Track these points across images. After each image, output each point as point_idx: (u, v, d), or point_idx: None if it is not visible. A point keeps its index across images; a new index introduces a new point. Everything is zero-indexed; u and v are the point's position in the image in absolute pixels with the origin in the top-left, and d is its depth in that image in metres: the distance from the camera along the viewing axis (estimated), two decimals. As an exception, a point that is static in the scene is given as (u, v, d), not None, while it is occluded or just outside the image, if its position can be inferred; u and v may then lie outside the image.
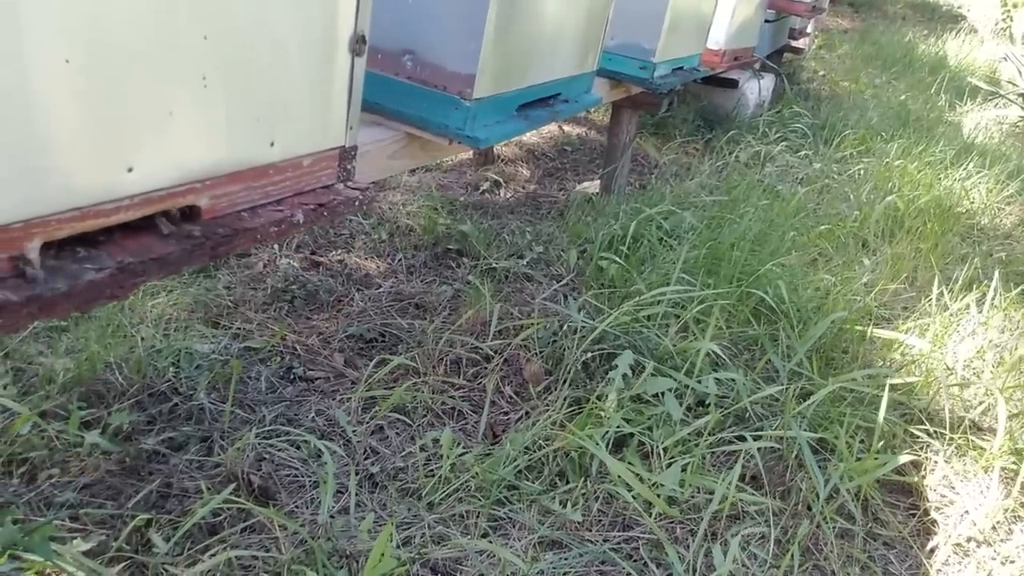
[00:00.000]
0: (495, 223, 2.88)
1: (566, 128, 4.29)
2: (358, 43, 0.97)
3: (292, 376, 1.84)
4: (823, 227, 2.71)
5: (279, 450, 1.56)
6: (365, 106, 1.50)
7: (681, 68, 3.01)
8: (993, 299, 2.15)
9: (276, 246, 2.47)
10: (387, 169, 1.47)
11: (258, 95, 0.86)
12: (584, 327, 1.83)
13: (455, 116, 1.42)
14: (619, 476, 1.38)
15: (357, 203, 1.02)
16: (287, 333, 1.98)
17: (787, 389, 1.64)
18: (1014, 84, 5.41)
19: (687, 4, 2.74)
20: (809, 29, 7.36)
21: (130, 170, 0.73)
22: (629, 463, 1.46)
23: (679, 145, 4.19)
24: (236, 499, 1.35)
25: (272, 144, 0.89)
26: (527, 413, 1.73)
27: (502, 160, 3.64)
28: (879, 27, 9.97)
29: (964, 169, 3.45)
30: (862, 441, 1.64)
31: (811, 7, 4.97)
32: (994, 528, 1.47)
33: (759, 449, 1.50)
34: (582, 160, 3.85)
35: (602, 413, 1.52)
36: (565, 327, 1.90)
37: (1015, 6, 9.01)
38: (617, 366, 1.62)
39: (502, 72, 1.52)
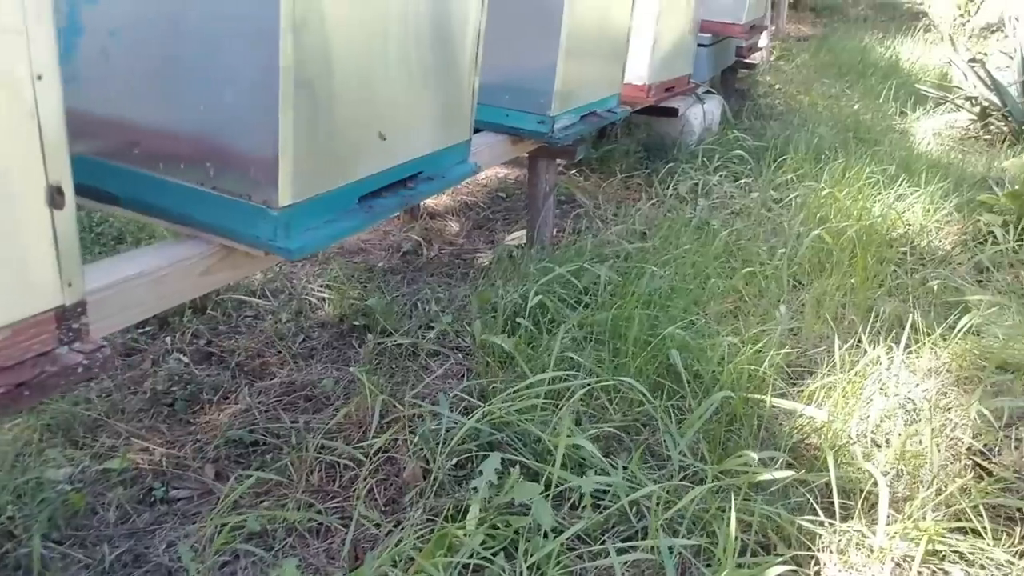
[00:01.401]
0: (411, 290, 2.76)
1: (501, 172, 4.19)
2: (56, 195, 0.86)
3: (151, 499, 1.71)
4: (746, 270, 2.59)
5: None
6: (177, 219, 1.39)
7: (593, 113, 2.90)
8: (907, 347, 2.02)
9: (168, 338, 2.35)
10: (199, 287, 1.36)
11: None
12: (454, 426, 1.70)
13: (263, 227, 1.31)
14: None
15: (81, 369, 0.90)
16: (154, 446, 1.85)
17: (669, 484, 1.51)
18: (961, 88, 5.32)
19: (587, 49, 2.63)
20: (762, 43, 7.30)
21: None
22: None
23: (621, 180, 4.08)
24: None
25: (-69, 333, 0.77)
26: (397, 524, 1.60)
27: (430, 215, 3.53)
28: (838, 32, 9.93)
29: (896, 191, 3.34)
30: (764, 536, 1.52)
31: (748, 27, 4.89)
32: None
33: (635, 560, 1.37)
34: (516, 207, 3.74)
35: (460, 534, 1.39)
36: (443, 421, 1.77)
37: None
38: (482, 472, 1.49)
39: (324, 168, 1.40)
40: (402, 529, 1.53)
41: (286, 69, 1.19)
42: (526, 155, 2.89)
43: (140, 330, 2.33)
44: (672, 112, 4.38)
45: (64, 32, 1.30)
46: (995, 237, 2.93)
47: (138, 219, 1.46)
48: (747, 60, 6.09)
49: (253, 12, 1.18)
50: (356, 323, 2.47)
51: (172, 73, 1.28)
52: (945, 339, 2.22)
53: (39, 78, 0.82)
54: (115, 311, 1.16)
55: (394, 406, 1.93)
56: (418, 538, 1.49)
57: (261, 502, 1.70)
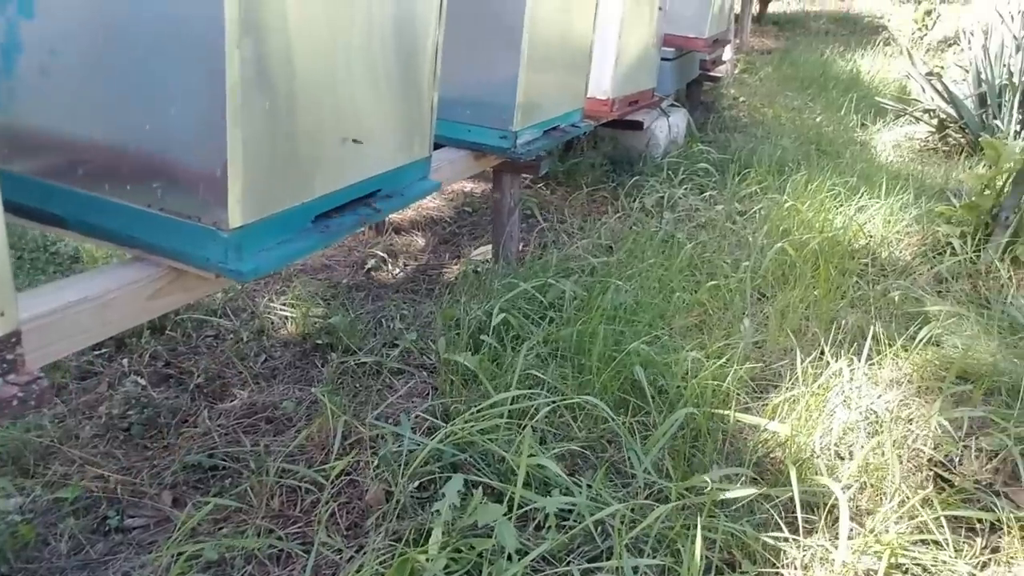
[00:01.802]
0: (375, 307, 2.72)
1: (468, 187, 4.18)
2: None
3: (106, 528, 1.66)
4: (711, 283, 2.59)
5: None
6: (124, 241, 1.35)
7: (557, 128, 2.90)
8: (868, 358, 2.03)
9: (125, 360, 2.29)
10: (148, 311, 1.32)
11: None
12: (416, 447, 1.67)
13: (214, 249, 1.27)
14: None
15: (16, 403, 0.86)
16: (109, 473, 1.80)
17: (634, 502, 1.50)
18: (920, 101, 5.41)
19: (549, 63, 2.63)
20: (726, 56, 7.38)
21: None
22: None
23: (587, 194, 4.07)
24: None
25: None
26: (359, 549, 1.57)
27: (395, 230, 3.50)
28: (800, 45, 10.08)
29: (858, 202, 3.38)
30: (729, 554, 1.50)
31: (711, 41, 4.93)
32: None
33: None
34: (481, 222, 3.72)
35: (422, 559, 1.36)
36: (405, 443, 1.74)
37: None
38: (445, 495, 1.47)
39: (276, 187, 1.38)
40: (364, 554, 1.50)
41: (233, 86, 1.16)
42: (491, 170, 2.88)
43: (96, 352, 2.28)
44: (637, 125, 4.40)
45: (3, 49, 1.26)
46: (953, 248, 2.98)
47: (87, 242, 1.42)
48: (711, 73, 6.15)
49: (198, 28, 1.15)
50: (319, 342, 2.43)
51: (116, 91, 1.24)
52: (906, 350, 2.24)
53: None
54: (57, 339, 1.12)
55: (357, 427, 1.90)
56: (380, 563, 1.46)
57: (220, 529, 1.66)
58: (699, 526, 1.38)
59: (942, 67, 6.21)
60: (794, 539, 1.50)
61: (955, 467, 1.83)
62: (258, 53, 1.23)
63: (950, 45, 9.02)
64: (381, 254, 3.16)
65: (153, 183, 1.28)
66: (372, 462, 1.76)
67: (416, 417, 1.93)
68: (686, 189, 3.91)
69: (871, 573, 1.45)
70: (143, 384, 2.16)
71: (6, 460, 1.82)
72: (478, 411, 1.74)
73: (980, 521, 1.67)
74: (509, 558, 1.40)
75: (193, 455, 1.88)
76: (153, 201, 1.29)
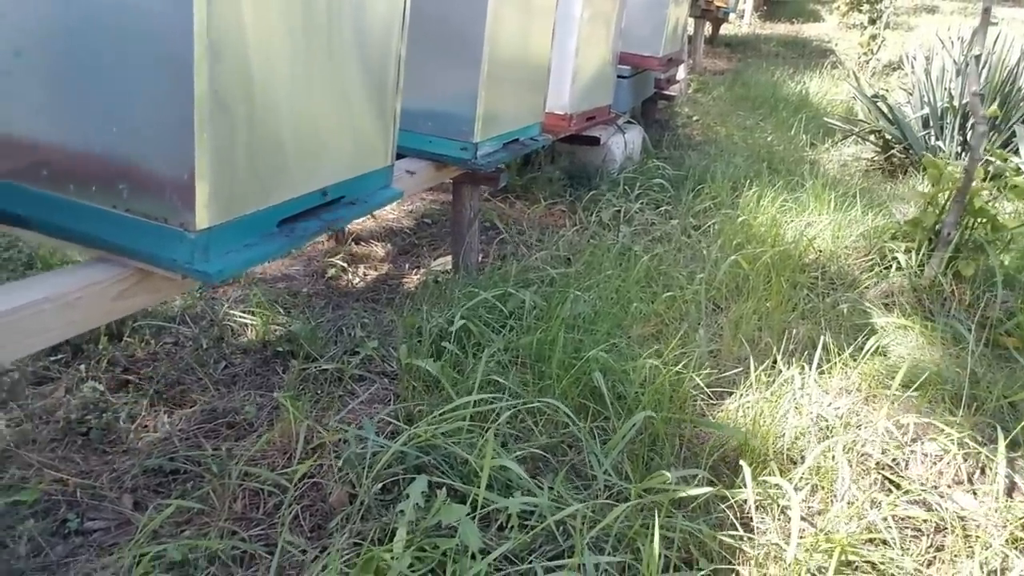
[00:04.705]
0: (336, 315, 2.73)
1: (427, 198, 4.20)
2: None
3: (66, 531, 1.65)
4: (667, 295, 2.66)
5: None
6: (90, 242, 1.35)
7: (516, 141, 2.95)
8: (819, 367, 2.11)
9: (82, 365, 2.26)
10: (113, 312, 1.32)
11: None
12: (380, 449, 1.69)
13: (181, 250, 1.28)
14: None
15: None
16: (68, 476, 1.78)
17: (594, 503, 1.53)
18: (866, 122, 5.60)
19: (508, 77, 2.68)
20: (680, 76, 7.54)
21: None
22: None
23: (545, 207, 4.13)
24: None
25: None
26: (324, 550, 1.58)
27: (355, 240, 3.51)
28: (752, 67, 10.32)
29: (807, 218, 3.49)
30: (687, 552, 1.55)
31: (665, 60, 5.05)
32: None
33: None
34: (441, 233, 3.75)
35: (387, 558, 1.38)
36: (369, 445, 1.76)
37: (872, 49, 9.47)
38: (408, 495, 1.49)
39: (243, 190, 1.39)
40: (328, 555, 1.51)
41: (201, 95, 1.18)
42: (450, 181, 2.91)
43: (52, 358, 2.25)
44: (594, 141, 4.48)
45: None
46: (898, 262, 3.09)
47: (49, 243, 1.42)
48: (666, 92, 6.28)
49: (167, 35, 1.17)
50: (280, 349, 2.43)
51: (83, 95, 1.25)
52: (855, 359, 2.32)
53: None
54: (17, 339, 1.12)
55: (319, 431, 1.91)
56: (345, 563, 1.47)
57: (182, 531, 1.66)
58: (657, 524, 1.42)
59: (887, 90, 6.43)
60: (748, 538, 1.55)
61: (902, 470, 1.90)
62: (225, 62, 1.25)
63: (894, 69, 9.34)
64: (341, 263, 3.16)
65: (119, 185, 1.29)
66: (335, 465, 1.77)
67: (379, 421, 1.95)
68: (642, 204, 3.99)
69: (822, 570, 1.50)
70: (101, 390, 2.14)
71: (-42, 466, 1.79)
72: (441, 415, 1.76)
73: (925, 521, 1.74)
74: (473, 557, 1.42)
75: (153, 459, 1.87)
76: (119, 202, 1.30)
